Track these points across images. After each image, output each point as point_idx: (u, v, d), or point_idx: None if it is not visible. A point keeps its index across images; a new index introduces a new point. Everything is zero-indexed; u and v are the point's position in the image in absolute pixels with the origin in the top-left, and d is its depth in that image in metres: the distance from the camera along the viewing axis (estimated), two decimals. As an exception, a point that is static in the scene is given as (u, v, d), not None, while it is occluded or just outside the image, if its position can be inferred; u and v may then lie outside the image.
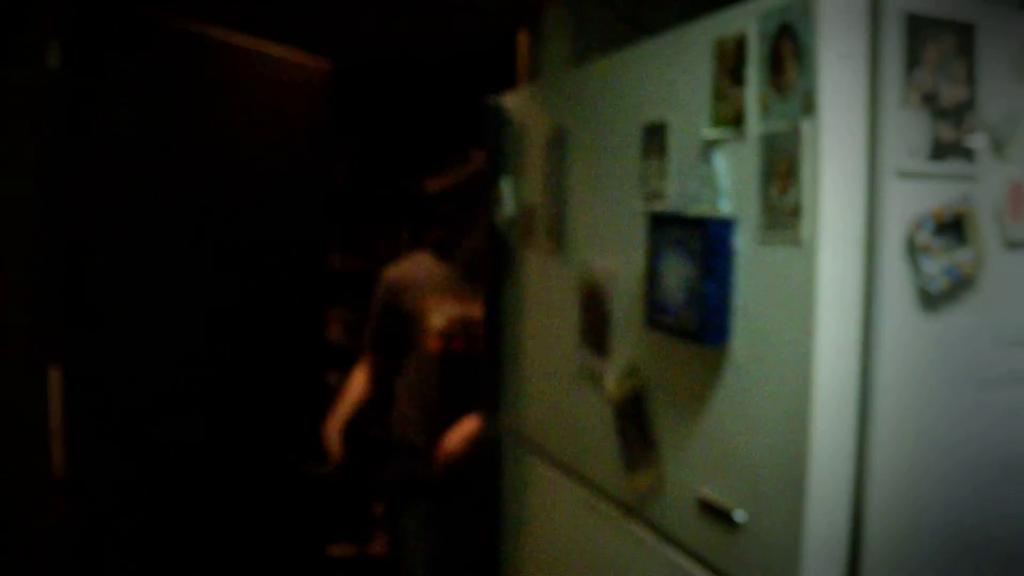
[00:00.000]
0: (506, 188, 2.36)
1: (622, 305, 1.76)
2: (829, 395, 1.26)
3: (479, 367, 2.82)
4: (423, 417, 2.90)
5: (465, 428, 2.80)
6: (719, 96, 1.43)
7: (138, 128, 2.28)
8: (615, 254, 1.78)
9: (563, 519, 2.09)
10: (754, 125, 1.36)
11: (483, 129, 2.45)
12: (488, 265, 2.53)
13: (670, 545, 1.62)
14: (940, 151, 1.25)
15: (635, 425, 1.71)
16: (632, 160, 1.70)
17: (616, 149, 1.77)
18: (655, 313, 1.56)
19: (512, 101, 2.39)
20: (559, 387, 2.09)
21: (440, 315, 2.86)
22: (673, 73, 1.57)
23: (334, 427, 2.98)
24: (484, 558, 2.80)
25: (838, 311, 1.26)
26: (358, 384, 3.06)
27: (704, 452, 1.51)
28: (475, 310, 2.83)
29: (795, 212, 1.26)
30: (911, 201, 1.25)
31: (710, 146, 1.45)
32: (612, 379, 1.79)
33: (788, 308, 1.30)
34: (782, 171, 1.28)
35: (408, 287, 2.91)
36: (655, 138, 1.61)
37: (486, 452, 2.80)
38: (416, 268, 2.96)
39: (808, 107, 1.24)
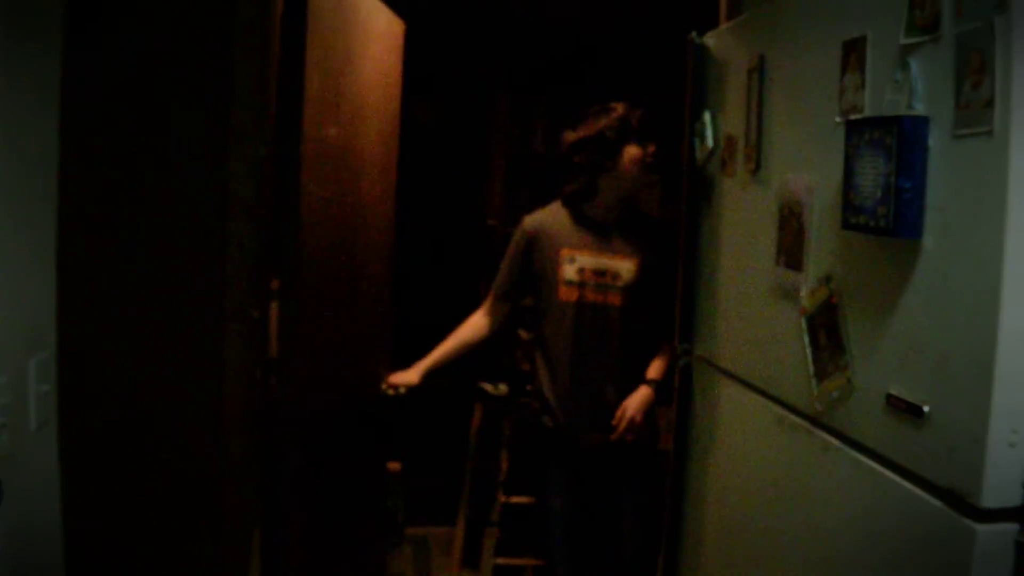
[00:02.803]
0: (707, 122, 2.45)
1: (818, 217, 1.84)
2: (1020, 281, 1.31)
3: (618, 321, 2.86)
4: (554, 371, 2.92)
5: (642, 396, 2.85)
6: (915, 3, 1.49)
7: (327, 83, 2.47)
8: (813, 170, 1.86)
9: (752, 435, 2.18)
10: (948, 27, 1.42)
11: (685, 67, 2.54)
12: (684, 200, 2.61)
13: (856, 448, 1.69)
14: None
15: (827, 332, 1.79)
16: (830, 78, 1.77)
17: (814, 69, 1.84)
18: (851, 214, 1.63)
19: (712, 39, 2.47)
20: (752, 309, 2.18)
21: (571, 266, 2.88)
22: (871, -12, 1.64)
23: (424, 361, 3.00)
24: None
25: (1030, 200, 1.30)
26: (468, 327, 3.08)
27: (893, 349, 1.57)
28: (611, 262, 2.87)
29: (988, 104, 1.31)
30: (1107, 90, 1.28)
31: (906, 52, 1.52)
32: (806, 291, 1.87)
33: (979, 200, 1.35)
34: (975, 67, 1.34)
35: (542, 236, 2.93)
36: (853, 53, 1.68)
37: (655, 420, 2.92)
38: (552, 218, 2.96)
39: (1003, 4, 1.29)
